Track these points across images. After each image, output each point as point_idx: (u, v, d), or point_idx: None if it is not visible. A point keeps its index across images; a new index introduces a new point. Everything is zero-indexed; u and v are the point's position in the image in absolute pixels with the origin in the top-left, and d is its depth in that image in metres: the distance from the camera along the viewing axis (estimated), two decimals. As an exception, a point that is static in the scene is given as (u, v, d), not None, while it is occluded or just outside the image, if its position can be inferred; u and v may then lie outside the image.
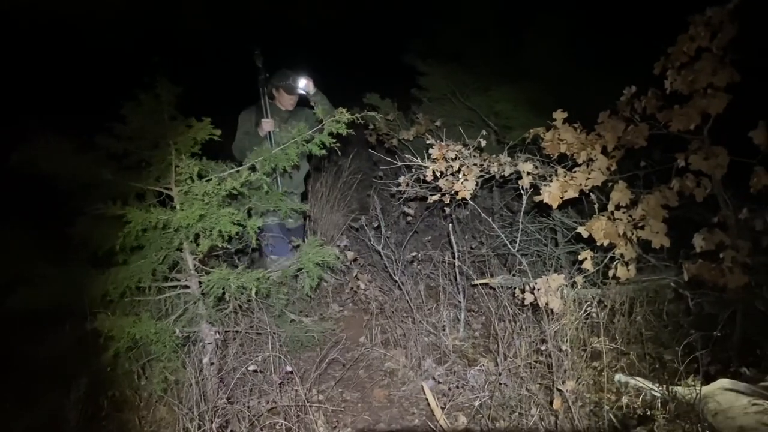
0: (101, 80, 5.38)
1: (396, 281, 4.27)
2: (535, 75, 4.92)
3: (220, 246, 3.03)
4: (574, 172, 3.28)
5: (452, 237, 4.04)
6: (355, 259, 4.61)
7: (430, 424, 3.15)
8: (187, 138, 2.89)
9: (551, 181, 3.29)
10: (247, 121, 4.13)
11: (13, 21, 6.55)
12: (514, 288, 3.51)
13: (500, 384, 3.04)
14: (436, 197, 3.66)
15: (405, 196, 4.12)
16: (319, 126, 3.25)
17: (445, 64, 5.75)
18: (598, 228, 3.15)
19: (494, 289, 3.84)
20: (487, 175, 3.59)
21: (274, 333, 3.35)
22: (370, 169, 6.64)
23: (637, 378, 2.92)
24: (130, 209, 2.75)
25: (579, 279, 3.21)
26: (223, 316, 3.28)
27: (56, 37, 7.00)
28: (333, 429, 3.14)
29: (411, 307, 4.02)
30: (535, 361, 3.07)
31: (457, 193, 3.48)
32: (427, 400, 3.24)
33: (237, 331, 3.42)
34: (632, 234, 3.12)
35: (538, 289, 2.99)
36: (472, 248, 4.63)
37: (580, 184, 3.24)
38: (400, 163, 3.87)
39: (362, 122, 3.37)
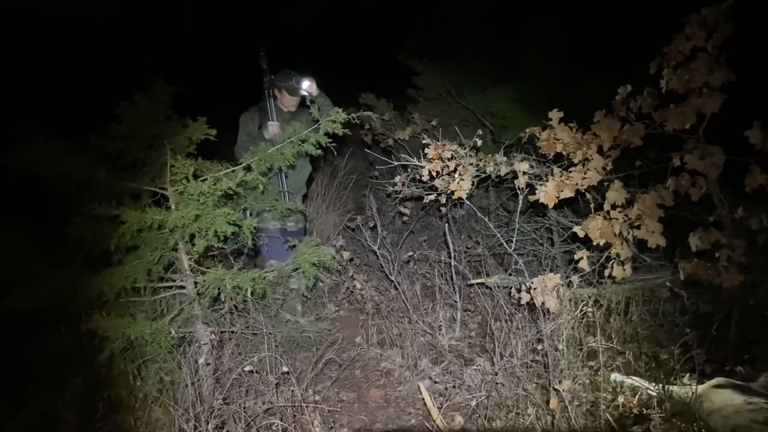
0: (97, 80, 5.36)
1: (392, 281, 4.27)
2: (530, 75, 4.92)
3: (215, 246, 3.02)
4: (570, 171, 3.29)
5: (448, 237, 4.04)
6: (351, 259, 4.61)
7: (426, 424, 3.14)
8: (183, 138, 2.87)
9: (547, 180, 3.30)
10: (249, 123, 4.04)
11: (8, 21, 6.52)
12: (510, 287, 3.51)
13: (497, 384, 3.04)
14: (432, 197, 3.66)
15: (401, 195, 4.11)
16: (315, 126, 3.24)
17: (441, 63, 5.76)
18: (594, 227, 3.16)
19: (490, 288, 3.84)
20: (483, 175, 3.59)
21: (269, 333, 3.35)
22: (366, 168, 6.64)
23: (633, 377, 2.93)
24: (125, 209, 2.74)
25: (575, 278, 3.22)
26: (219, 316, 3.27)
27: (52, 37, 6.97)
28: (329, 429, 3.14)
29: (407, 307, 4.02)
30: (532, 361, 3.07)
31: (453, 192, 3.48)
32: (423, 400, 3.24)
33: (233, 332, 3.41)
34: (628, 233, 3.12)
35: (535, 289, 2.99)
36: (468, 248, 4.62)
37: (576, 184, 3.24)
38: (396, 163, 3.86)
39: (358, 122, 3.37)
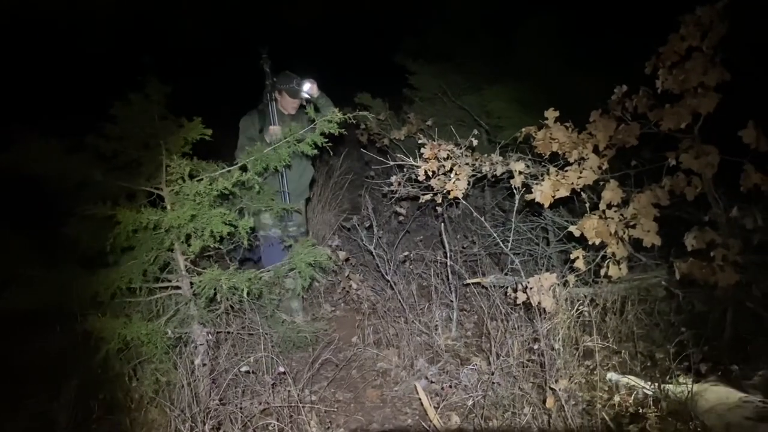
0: (96, 80, 5.34)
1: (388, 281, 4.26)
2: (526, 74, 4.92)
3: (211, 246, 3.02)
4: (566, 171, 3.29)
5: (444, 236, 4.04)
6: (347, 259, 4.60)
7: (423, 423, 3.15)
8: (178, 138, 2.87)
9: (543, 180, 3.30)
10: (250, 127, 3.99)
11: (6, 20, 6.49)
12: (506, 287, 3.51)
13: (493, 383, 3.05)
14: (428, 197, 3.67)
15: (397, 195, 4.11)
16: (311, 126, 3.24)
17: (436, 63, 5.77)
18: (590, 227, 3.16)
19: (486, 288, 3.84)
20: (479, 175, 3.59)
21: (266, 334, 3.34)
22: (362, 168, 6.64)
23: (629, 376, 2.94)
24: (120, 210, 2.73)
25: (571, 278, 3.22)
26: (215, 317, 3.26)
27: (50, 37, 6.96)
28: (326, 429, 3.13)
29: (403, 307, 4.02)
30: (528, 360, 3.08)
31: (449, 192, 3.48)
32: (420, 399, 3.24)
33: (229, 332, 3.40)
34: (624, 233, 3.13)
35: (531, 288, 2.99)
36: (464, 248, 4.63)
37: (572, 183, 3.24)
38: (391, 163, 3.86)
39: (354, 122, 3.36)
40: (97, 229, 2.73)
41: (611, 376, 2.98)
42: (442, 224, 4.25)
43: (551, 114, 3.34)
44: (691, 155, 2.98)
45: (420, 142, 3.62)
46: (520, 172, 3.39)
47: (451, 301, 4.04)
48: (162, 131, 2.83)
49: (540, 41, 4.97)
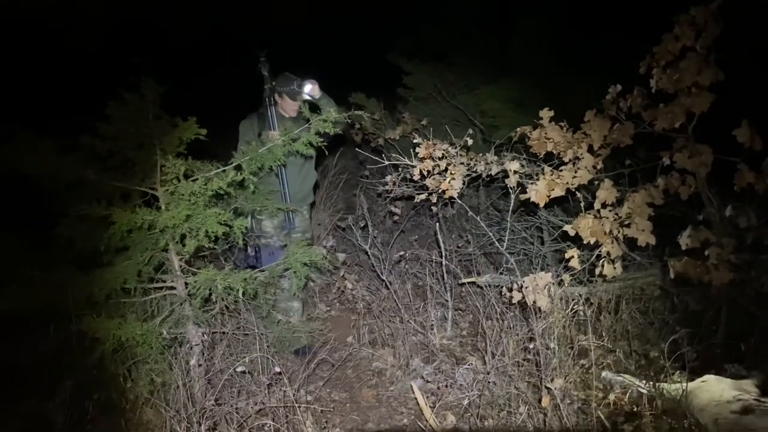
0: (89, 81, 5.32)
1: (383, 281, 4.27)
2: (521, 74, 4.93)
3: (206, 246, 3.01)
4: (561, 170, 3.30)
5: (439, 236, 4.05)
6: (344, 263, 4.61)
7: (419, 423, 3.15)
8: (173, 137, 2.85)
9: (538, 179, 3.31)
10: (249, 131, 3.85)
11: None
12: (502, 286, 3.52)
13: (488, 382, 3.05)
14: (423, 196, 3.66)
15: (392, 195, 4.11)
16: (306, 125, 3.23)
17: (431, 63, 5.76)
18: (585, 226, 3.17)
19: (481, 287, 3.85)
20: (474, 174, 3.59)
21: (261, 334, 3.34)
22: (357, 168, 6.62)
23: (624, 375, 2.94)
24: (115, 210, 2.72)
25: (566, 277, 3.23)
26: (210, 317, 3.25)
27: (42, 37, 6.93)
28: (322, 429, 3.13)
29: (398, 307, 4.02)
30: (523, 360, 3.08)
31: (444, 192, 3.48)
32: (415, 399, 3.25)
33: (224, 332, 3.39)
34: (618, 232, 3.14)
35: (526, 288, 2.99)
36: (459, 247, 4.63)
37: (567, 183, 3.25)
38: (386, 162, 3.84)
39: (348, 121, 3.35)
40: (91, 230, 2.72)
41: (606, 374, 2.98)
42: (437, 224, 4.26)
43: (546, 114, 3.35)
44: (685, 154, 2.99)
45: (415, 141, 3.61)
46: (515, 172, 3.39)
47: (447, 301, 4.04)
48: (157, 131, 2.81)
49: (535, 41, 4.97)
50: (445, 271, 4.07)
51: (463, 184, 3.51)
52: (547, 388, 2.70)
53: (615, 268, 3.18)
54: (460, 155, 3.56)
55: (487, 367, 3.14)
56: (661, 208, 3.13)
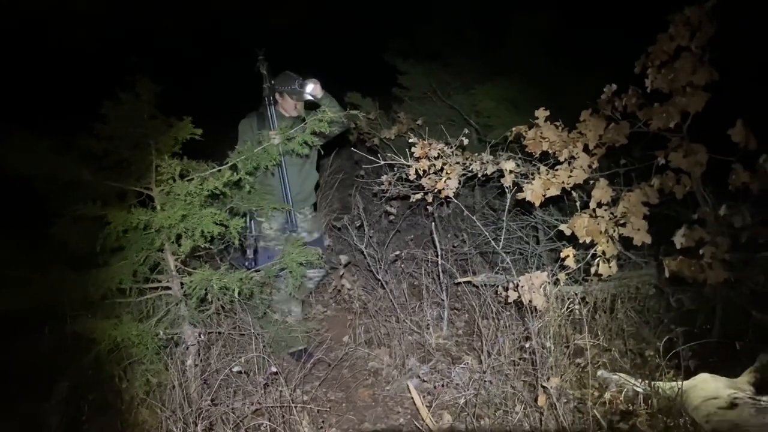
0: (84, 80, 5.30)
1: (379, 280, 4.27)
2: (516, 74, 4.93)
3: (202, 247, 3.00)
4: (556, 170, 3.30)
5: (435, 235, 4.05)
6: (348, 263, 4.60)
7: (415, 422, 3.15)
8: (168, 137, 2.84)
9: (533, 179, 3.31)
10: (248, 131, 3.77)
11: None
12: (497, 286, 3.52)
13: (485, 381, 3.06)
14: (418, 196, 3.66)
15: (387, 195, 4.11)
16: (302, 125, 3.22)
17: (426, 62, 5.76)
18: (580, 225, 3.17)
19: (477, 287, 3.85)
20: (470, 174, 3.59)
21: (257, 334, 3.33)
22: (352, 168, 6.61)
23: (620, 374, 2.95)
24: (110, 210, 2.71)
25: (561, 276, 3.23)
26: (206, 317, 3.25)
27: (39, 37, 6.90)
28: (318, 429, 3.13)
29: (394, 306, 4.02)
30: (519, 359, 3.09)
31: (439, 191, 3.48)
32: (411, 398, 3.25)
33: (220, 333, 3.39)
34: (614, 231, 3.15)
35: (521, 287, 2.99)
36: (454, 247, 4.63)
37: (562, 182, 3.26)
38: (382, 162, 3.83)
39: (348, 121, 3.34)
40: (87, 230, 2.71)
41: (602, 373, 2.99)
42: (433, 223, 4.25)
43: (541, 113, 3.35)
44: (680, 154, 3.00)
45: (410, 141, 3.60)
46: (511, 171, 3.40)
47: (442, 300, 4.04)
48: (152, 131, 2.80)
49: (530, 40, 4.98)
50: (440, 271, 4.08)
51: (459, 183, 3.51)
52: (543, 387, 2.70)
53: (610, 267, 3.18)
54: (456, 155, 3.56)
55: (483, 366, 3.14)
56: (656, 207, 3.14)
